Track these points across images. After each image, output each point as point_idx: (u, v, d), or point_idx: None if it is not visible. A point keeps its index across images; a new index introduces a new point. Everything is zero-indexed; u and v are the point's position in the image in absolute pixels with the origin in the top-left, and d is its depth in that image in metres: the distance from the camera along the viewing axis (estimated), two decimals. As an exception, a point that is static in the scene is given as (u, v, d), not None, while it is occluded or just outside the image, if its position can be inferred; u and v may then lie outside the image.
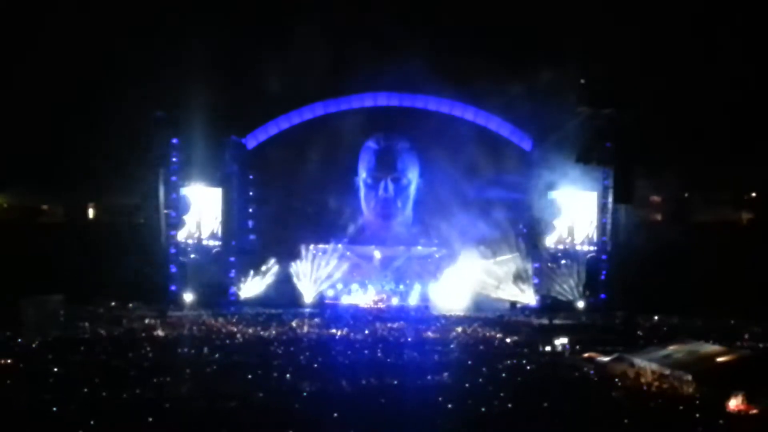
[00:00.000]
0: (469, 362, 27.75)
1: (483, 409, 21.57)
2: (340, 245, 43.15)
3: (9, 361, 26.83)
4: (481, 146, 41.78)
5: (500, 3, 40.18)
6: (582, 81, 40.12)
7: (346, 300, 41.68)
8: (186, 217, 42.04)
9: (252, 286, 42.04)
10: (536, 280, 41.57)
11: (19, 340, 30.45)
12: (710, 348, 26.32)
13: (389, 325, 35.82)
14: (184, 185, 41.84)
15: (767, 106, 41.01)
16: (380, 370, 26.38)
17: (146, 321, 35.88)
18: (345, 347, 30.59)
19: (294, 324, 35.74)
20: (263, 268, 42.13)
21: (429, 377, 25.44)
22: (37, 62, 41.46)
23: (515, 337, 32.95)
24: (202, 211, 42.59)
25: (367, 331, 34.27)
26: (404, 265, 43.50)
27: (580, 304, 40.71)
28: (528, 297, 41.25)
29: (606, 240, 41.23)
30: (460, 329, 34.77)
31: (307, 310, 40.37)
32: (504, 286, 41.29)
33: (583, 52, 39.20)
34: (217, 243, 42.57)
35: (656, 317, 37.10)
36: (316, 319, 37.11)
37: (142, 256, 40.51)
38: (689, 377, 23.29)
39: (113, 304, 39.45)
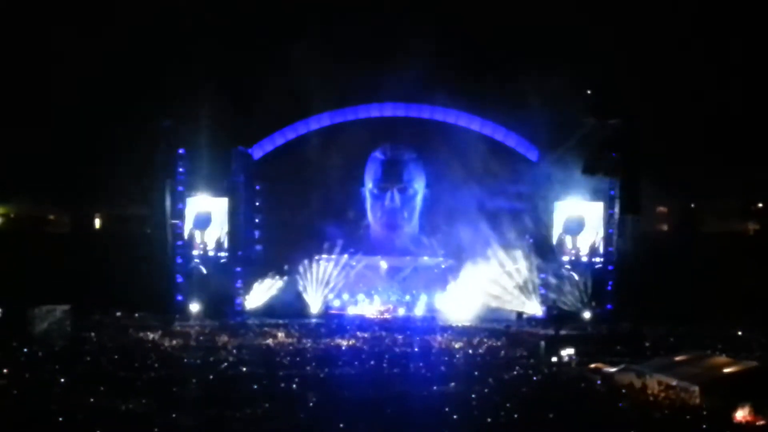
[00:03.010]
0: (476, 373, 27.70)
1: (489, 420, 21.54)
2: (346, 255, 43.09)
3: (16, 370, 26.84)
4: (488, 157, 41.65)
5: (506, 14, 40.23)
6: (588, 91, 40.15)
7: (352, 310, 41.48)
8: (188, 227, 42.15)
9: (258, 297, 42.00)
10: (543, 291, 41.45)
11: (26, 349, 30.46)
12: (717, 359, 26.26)
13: (396, 335, 35.77)
14: (191, 195, 41.89)
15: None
16: (386, 380, 26.36)
17: (152, 331, 35.87)
18: (351, 357, 30.56)
19: (300, 334, 35.78)
20: (269, 278, 42.13)
21: (435, 387, 25.40)
22: (44, 72, 41.73)
23: (521, 348, 32.88)
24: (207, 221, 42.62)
25: (373, 341, 34.23)
26: (411, 276, 43.49)
27: (587, 315, 40.57)
28: (534, 307, 41.15)
29: (612, 250, 41.14)
30: (466, 340, 34.72)
31: (314, 320, 40.35)
32: (510, 296, 41.22)
33: (590, 63, 39.24)
34: (224, 253, 42.55)
35: (663, 328, 36.95)
36: (322, 329, 37.12)
37: (148, 266, 40.56)
38: (696, 388, 23.22)
39: (119, 314, 39.49)
